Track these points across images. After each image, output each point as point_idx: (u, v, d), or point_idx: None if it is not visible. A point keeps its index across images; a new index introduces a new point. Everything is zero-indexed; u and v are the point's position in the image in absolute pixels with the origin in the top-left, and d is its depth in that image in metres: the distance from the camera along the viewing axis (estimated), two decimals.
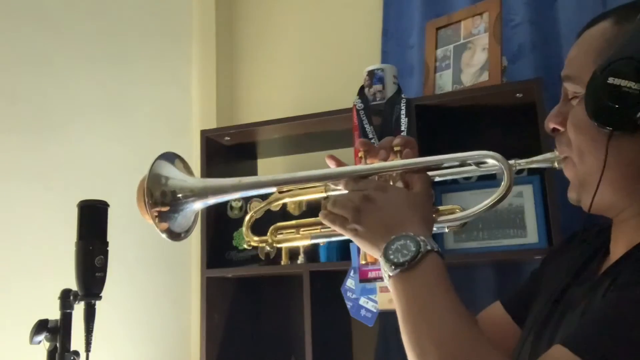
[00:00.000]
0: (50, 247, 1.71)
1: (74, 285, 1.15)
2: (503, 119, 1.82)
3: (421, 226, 0.81)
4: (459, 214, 0.90)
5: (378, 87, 1.79)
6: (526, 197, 1.66)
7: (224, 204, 1.98)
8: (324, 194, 0.93)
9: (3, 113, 1.69)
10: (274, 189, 0.93)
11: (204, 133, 2.03)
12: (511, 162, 0.86)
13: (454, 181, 1.84)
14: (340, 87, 2.06)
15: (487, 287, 1.84)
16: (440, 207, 0.92)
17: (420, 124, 1.73)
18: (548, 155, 0.87)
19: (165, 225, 0.89)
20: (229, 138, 2.04)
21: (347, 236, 0.87)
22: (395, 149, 0.91)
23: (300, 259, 1.83)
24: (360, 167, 0.90)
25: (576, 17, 1.78)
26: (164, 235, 0.89)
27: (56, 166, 1.81)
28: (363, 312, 1.69)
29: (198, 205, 0.93)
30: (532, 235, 1.64)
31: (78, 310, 1.14)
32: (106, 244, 1.17)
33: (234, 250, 1.95)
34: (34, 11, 1.84)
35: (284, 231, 0.97)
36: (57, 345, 1.11)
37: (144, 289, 2.05)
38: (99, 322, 1.14)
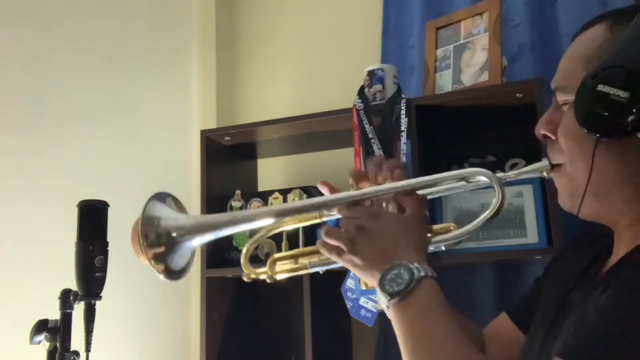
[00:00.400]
0: (50, 247, 1.71)
1: (74, 285, 1.15)
2: (503, 119, 1.82)
3: (415, 251, 0.83)
4: (453, 233, 0.91)
5: (378, 87, 1.79)
6: (526, 197, 1.66)
7: (224, 204, 1.98)
8: (318, 220, 0.94)
9: (3, 113, 1.69)
10: (271, 220, 0.93)
11: (204, 133, 2.02)
12: (500, 175, 0.87)
13: None
14: (340, 87, 2.06)
15: (487, 287, 1.84)
16: (435, 227, 0.93)
17: (420, 124, 1.73)
18: (537, 165, 0.88)
19: (162, 266, 0.88)
20: (229, 138, 2.04)
21: (345, 266, 0.88)
22: (385, 171, 0.93)
23: None
24: (353, 193, 0.91)
25: (576, 17, 1.78)
26: (161, 277, 0.89)
27: (56, 166, 1.81)
28: (363, 312, 1.69)
29: (195, 243, 0.93)
30: (532, 235, 1.64)
31: (78, 310, 1.14)
32: (106, 244, 1.17)
33: (234, 250, 1.95)
34: (34, 12, 1.84)
35: (283, 262, 0.98)
36: (57, 345, 1.11)
37: (144, 289, 2.05)
38: (99, 322, 1.14)
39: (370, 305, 1.69)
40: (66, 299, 1.13)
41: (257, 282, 2.12)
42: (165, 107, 2.28)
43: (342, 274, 1.75)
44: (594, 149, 0.74)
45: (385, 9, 2.15)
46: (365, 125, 1.74)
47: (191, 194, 2.14)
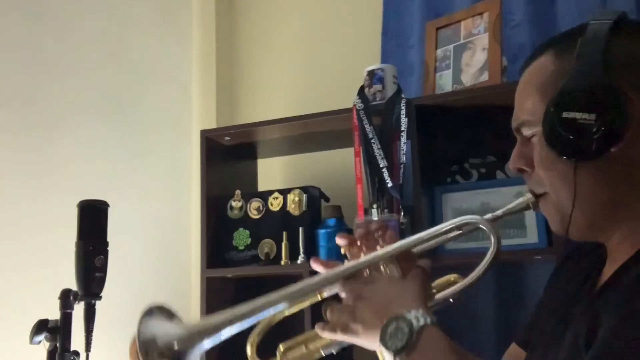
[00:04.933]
0: (50, 247, 1.71)
1: (74, 285, 1.15)
2: (503, 119, 1.81)
3: (412, 300, 0.82)
4: (459, 284, 0.91)
5: (378, 87, 1.79)
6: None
7: (224, 204, 1.98)
8: (319, 298, 0.94)
9: (4, 114, 1.69)
10: (271, 311, 0.91)
11: (204, 133, 2.02)
12: (487, 216, 0.88)
13: (455, 181, 1.84)
14: (340, 87, 2.05)
15: (487, 287, 1.84)
16: (436, 281, 0.93)
17: (420, 124, 1.73)
18: (521, 200, 0.89)
19: None
20: (229, 138, 2.04)
21: (352, 342, 0.87)
22: (375, 235, 0.93)
23: (300, 259, 1.83)
24: (348, 266, 0.91)
25: (576, 17, 1.78)
26: None
27: (56, 166, 1.81)
28: None
29: (200, 349, 0.86)
30: (532, 235, 1.64)
31: (78, 310, 1.14)
32: (106, 244, 1.17)
33: (234, 250, 1.95)
34: (35, 13, 1.84)
35: (294, 349, 0.97)
36: (57, 345, 1.11)
37: (144, 289, 2.05)
38: (99, 322, 1.14)
39: None
40: (66, 299, 1.13)
41: (257, 282, 2.13)
42: (165, 107, 2.28)
43: None
44: (574, 173, 0.76)
45: (385, 9, 2.15)
46: (365, 125, 1.74)
47: (191, 194, 2.14)
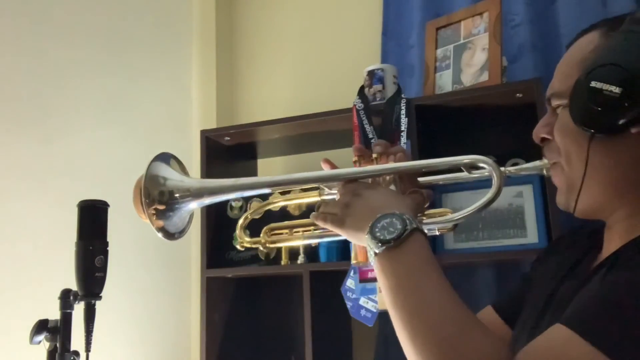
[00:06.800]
0: (50, 247, 1.71)
1: (74, 285, 1.15)
2: (503, 119, 1.82)
3: (407, 210, 0.82)
4: (448, 216, 0.91)
5: (378, 87, 1.79)
6: (526, 197, 1.66)
7: (224, 204, 1.98)
8: (318, 198, 0.95)
9: (4, 113, 1.69)
10: (270, 190, 0.95)
11: (204, 133, 2.03)
12: (501, 169, 0.87)
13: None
14: (340, 87, 2.06)
15: (487, 287, 1.84)
16: (430, 210, 0.93)
17: (420, 124, 1.73)
18: (537, 163, 0.89)
19: (160, 223, 0.90)
20: (229, 138, 2.04)
21: (336, 231, 0.88)
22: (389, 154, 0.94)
23: (300, 259, 1.83)
24: (354, 169, 0.92)
25: (576, 17, 1.78)
26: (160, 235, 0.91)
27: (56, 166, 1.81)
28: (363, 312, 1.69)
29: (194, 205, 0.94)
30: (532, 235, 1.64)
31: (78, 310, 1.14)
32: (106, 244, 1.17)
33: (234, 250, 1.95)
34: (36, 13, 1.84)
35: (278, 232, 0.99)
36: (57, 345, 1.11)
37: (144, 289, 2.05)
38: (99, 322, 1.14)
39: (370, 305, 1.69)
40: (66, 299, 1.13)
41: (257, 282, 2.13)
42: (165, 107, 2.28)
43: (342, 273, 1.75)
44: (588, 144, 0.76)
45: (385, 9, 2.15)
46: (365, 125, 1.74)
47: None
